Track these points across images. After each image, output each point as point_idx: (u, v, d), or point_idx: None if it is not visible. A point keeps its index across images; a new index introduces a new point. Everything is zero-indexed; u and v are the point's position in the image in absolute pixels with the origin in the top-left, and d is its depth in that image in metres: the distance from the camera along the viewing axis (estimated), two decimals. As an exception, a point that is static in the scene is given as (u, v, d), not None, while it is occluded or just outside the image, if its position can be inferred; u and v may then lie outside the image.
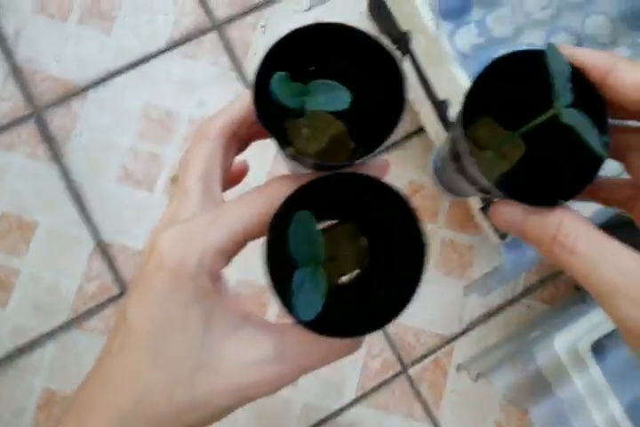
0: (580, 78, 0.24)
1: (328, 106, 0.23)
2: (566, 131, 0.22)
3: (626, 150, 0.26)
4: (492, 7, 0.58)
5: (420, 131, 0.81)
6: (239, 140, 0.28)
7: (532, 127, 0.25)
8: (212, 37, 0.81)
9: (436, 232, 0.80)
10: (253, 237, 0.24)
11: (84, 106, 0.77)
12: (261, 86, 0.23)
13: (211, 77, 0.79)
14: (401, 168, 0.81)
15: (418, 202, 0.81)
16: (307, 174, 0.24)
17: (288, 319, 0.22)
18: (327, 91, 0.23)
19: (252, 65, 0.80)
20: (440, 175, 0.36)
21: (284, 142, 0.24)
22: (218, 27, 0.81)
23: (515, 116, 0.26)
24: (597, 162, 0.23)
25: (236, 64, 0.80)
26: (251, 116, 0.25)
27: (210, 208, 0.25)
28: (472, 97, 0.24)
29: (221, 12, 0.82)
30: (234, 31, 0.81)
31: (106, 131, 0.77)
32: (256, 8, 0.82)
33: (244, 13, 0.82)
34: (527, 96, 0.26)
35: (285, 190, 0.23)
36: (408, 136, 0.82)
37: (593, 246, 0.22)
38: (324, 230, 0.27)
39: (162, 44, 0.79)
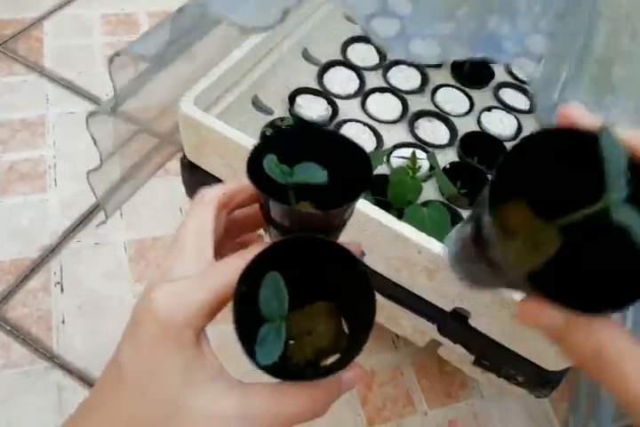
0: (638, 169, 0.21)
1: (310, 180, 0.28)
2: (617, 230, 0.20)
3: None
4: None
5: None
6: (229, 211, 0.32)
7: (574, 220, 0.22)
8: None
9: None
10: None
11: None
12: (254, 166, 0.27)
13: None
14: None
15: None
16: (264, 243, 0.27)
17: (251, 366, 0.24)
18: (308, 170, 0.28)
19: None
20: (456, 261, 0.31)
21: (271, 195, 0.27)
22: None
23: (552, 201, 0.24)
24: None
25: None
26: (242, 193, 0.31)
27: (200, 266, 0.28)
28: (504, 173, 0.22)
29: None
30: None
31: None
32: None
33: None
34: (570, 180, 0.23)
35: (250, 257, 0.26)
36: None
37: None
38: (302, 307, 0.28)
39: None
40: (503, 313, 0.57)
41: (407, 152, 0.73)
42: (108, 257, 0.91)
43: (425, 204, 0.64)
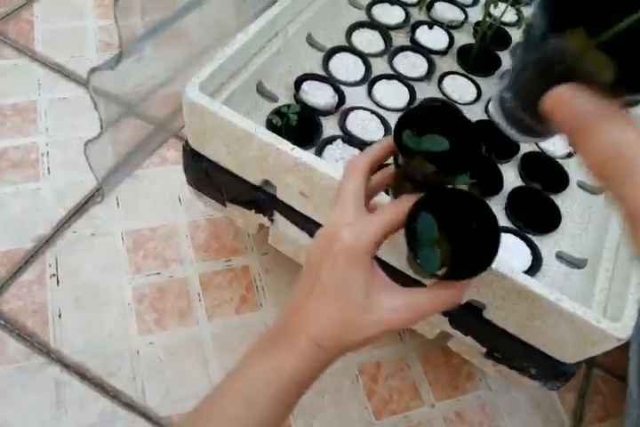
0: None
1: (435, 148, 0.40)
2: None
3: None
4: None
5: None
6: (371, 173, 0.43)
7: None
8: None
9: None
10: (392, 233, 0.39)
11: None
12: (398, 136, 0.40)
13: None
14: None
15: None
16: (414, 195, 0.40)
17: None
18: (434, 140, 0.40)
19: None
20: (509, 104, 0.37)
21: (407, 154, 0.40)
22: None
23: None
24: None
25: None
26: (384, 156, 0.42)
27: (361, 215, 0.40)
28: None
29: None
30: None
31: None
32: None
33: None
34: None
35: (406, 205, 0.39)
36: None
37: None
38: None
39: None
40: (520, 306, 0.56)
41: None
42: (105, 248, 0.88)
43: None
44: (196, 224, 0.93)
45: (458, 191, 0.40)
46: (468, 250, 0.39)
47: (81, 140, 0.99)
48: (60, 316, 0.81)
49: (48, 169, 0.95)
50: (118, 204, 0.93)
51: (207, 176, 0.70)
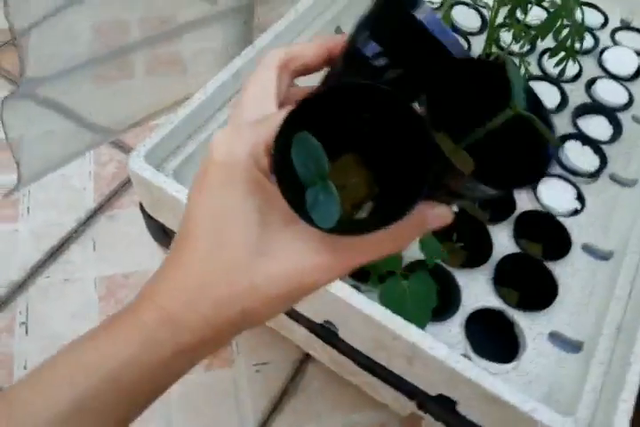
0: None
1: None
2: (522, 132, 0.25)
3: None
4: None
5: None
6: (293, 74, 0.29)
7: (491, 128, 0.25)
8: None
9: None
10: None
11: None
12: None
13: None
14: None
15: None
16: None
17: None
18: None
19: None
20: None
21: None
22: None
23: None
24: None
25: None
26: (306, 51, 0.28)
27: (251, 123, 0.26)
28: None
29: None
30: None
31: None
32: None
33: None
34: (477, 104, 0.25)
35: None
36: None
37: None
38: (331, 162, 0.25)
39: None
40: (493, 409, 0.49)
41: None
42: (77, 295, 0.84)
43: (410, 269, 0.55)
44: (176, 270, 0.88)
45: (363, 85, 0.23)
46: (391, 180, 0.25)
47: (63, 177, 0.97)
48: (25, 367, 0.78)
49: (28, 209, 0.92)
50: (94, 247, 0.89)
51: (166, 235, 0.65)
